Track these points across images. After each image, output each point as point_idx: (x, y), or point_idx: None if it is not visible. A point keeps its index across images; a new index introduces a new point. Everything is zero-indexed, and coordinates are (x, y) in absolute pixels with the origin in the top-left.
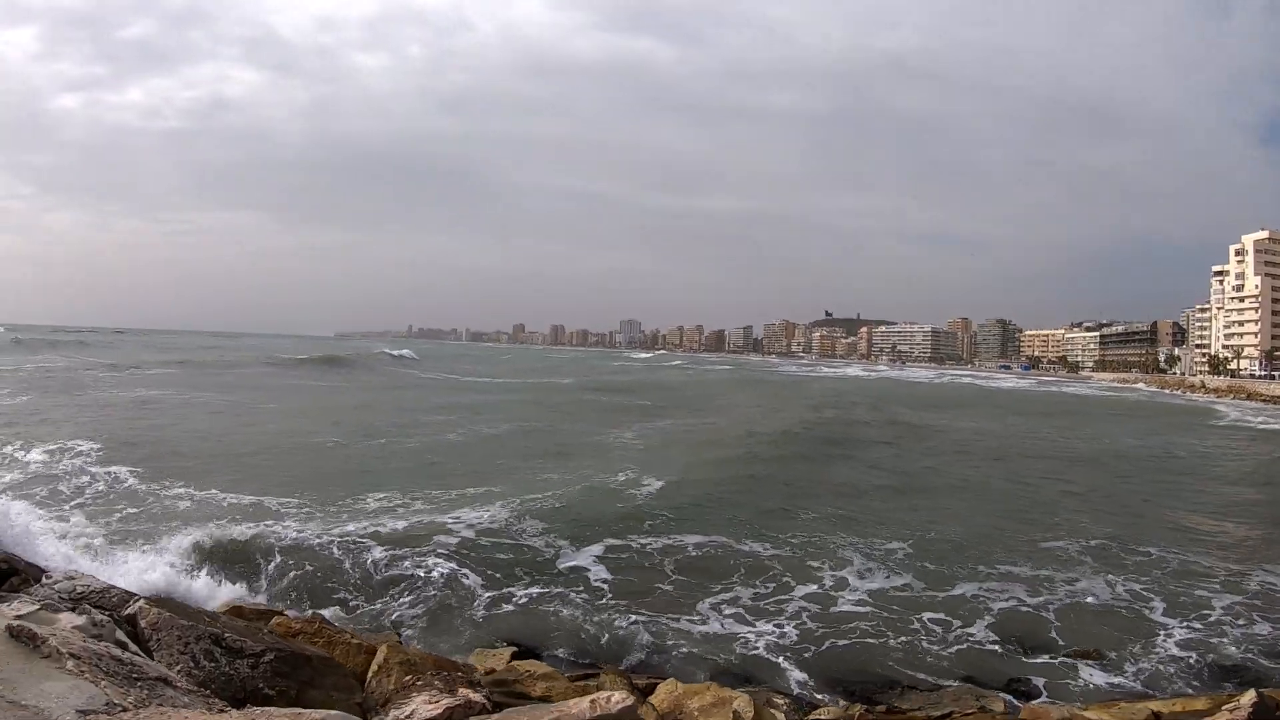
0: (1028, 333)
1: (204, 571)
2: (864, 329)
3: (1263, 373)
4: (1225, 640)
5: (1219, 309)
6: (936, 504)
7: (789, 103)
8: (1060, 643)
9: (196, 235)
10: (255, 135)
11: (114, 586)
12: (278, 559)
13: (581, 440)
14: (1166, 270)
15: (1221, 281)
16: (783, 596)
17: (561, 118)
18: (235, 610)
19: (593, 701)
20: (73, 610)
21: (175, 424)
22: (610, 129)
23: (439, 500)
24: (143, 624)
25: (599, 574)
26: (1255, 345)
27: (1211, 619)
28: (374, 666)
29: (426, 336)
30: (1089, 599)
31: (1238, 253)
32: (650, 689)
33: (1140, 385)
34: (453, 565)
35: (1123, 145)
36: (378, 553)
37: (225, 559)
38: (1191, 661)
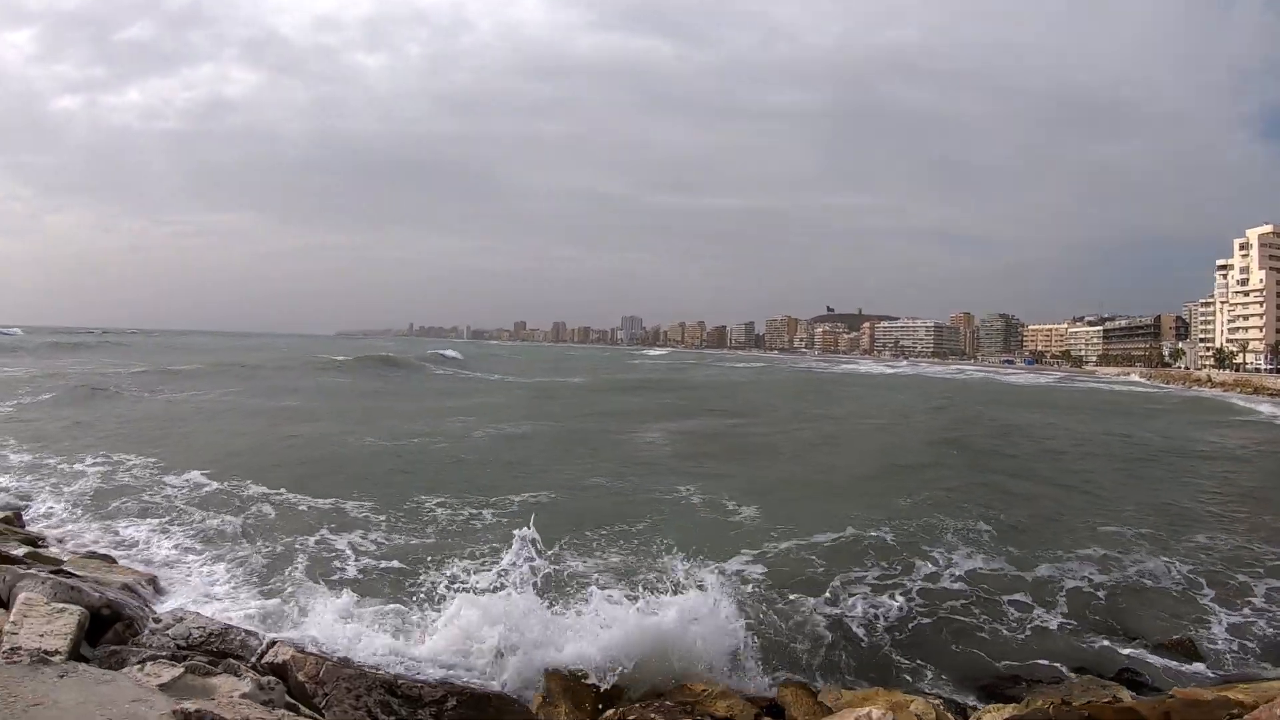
0: (1030, 327)
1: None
2: (866, 324)
3: (1268, 366)
4: None
5: (1223, 303)
6: (1004, 491)
7: (792, 101)
8: (1145, 629)
9: (199, 236)
10: (256, 136)
11: (230, 626)
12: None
13: (652, 450)
14: (1169, 264)
15: (1225, 275)
16: (904, 585)
17: (564, 117)
18: None
19: (857, 718)
20: (215, 666)
21: (240, 433)
22: (613, 128)
23: (522, 504)
24: (300, 676)
25: (721, 579)
26: (1260, 339)
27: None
28: (536, 698)
29: (428, 335)
30: (1150, 582)
31: (1242, 247)
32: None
33: (1136, 378)
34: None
35: (1125, 141)
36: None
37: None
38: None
